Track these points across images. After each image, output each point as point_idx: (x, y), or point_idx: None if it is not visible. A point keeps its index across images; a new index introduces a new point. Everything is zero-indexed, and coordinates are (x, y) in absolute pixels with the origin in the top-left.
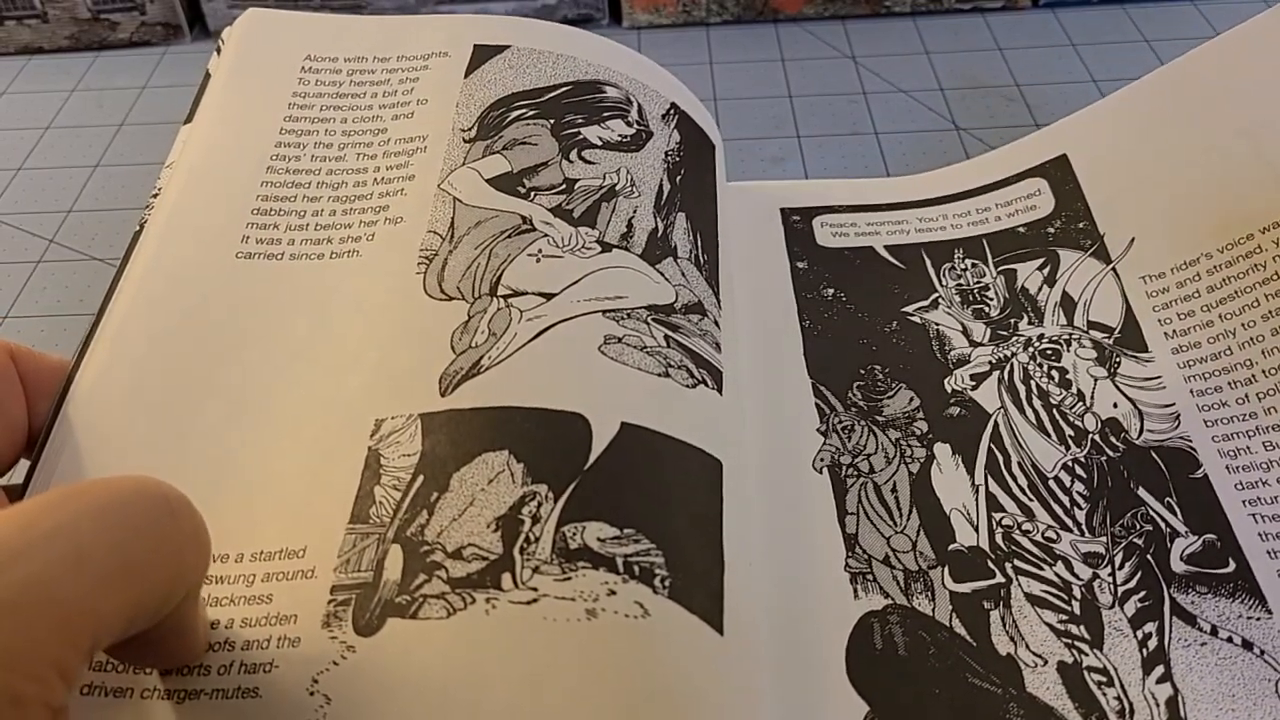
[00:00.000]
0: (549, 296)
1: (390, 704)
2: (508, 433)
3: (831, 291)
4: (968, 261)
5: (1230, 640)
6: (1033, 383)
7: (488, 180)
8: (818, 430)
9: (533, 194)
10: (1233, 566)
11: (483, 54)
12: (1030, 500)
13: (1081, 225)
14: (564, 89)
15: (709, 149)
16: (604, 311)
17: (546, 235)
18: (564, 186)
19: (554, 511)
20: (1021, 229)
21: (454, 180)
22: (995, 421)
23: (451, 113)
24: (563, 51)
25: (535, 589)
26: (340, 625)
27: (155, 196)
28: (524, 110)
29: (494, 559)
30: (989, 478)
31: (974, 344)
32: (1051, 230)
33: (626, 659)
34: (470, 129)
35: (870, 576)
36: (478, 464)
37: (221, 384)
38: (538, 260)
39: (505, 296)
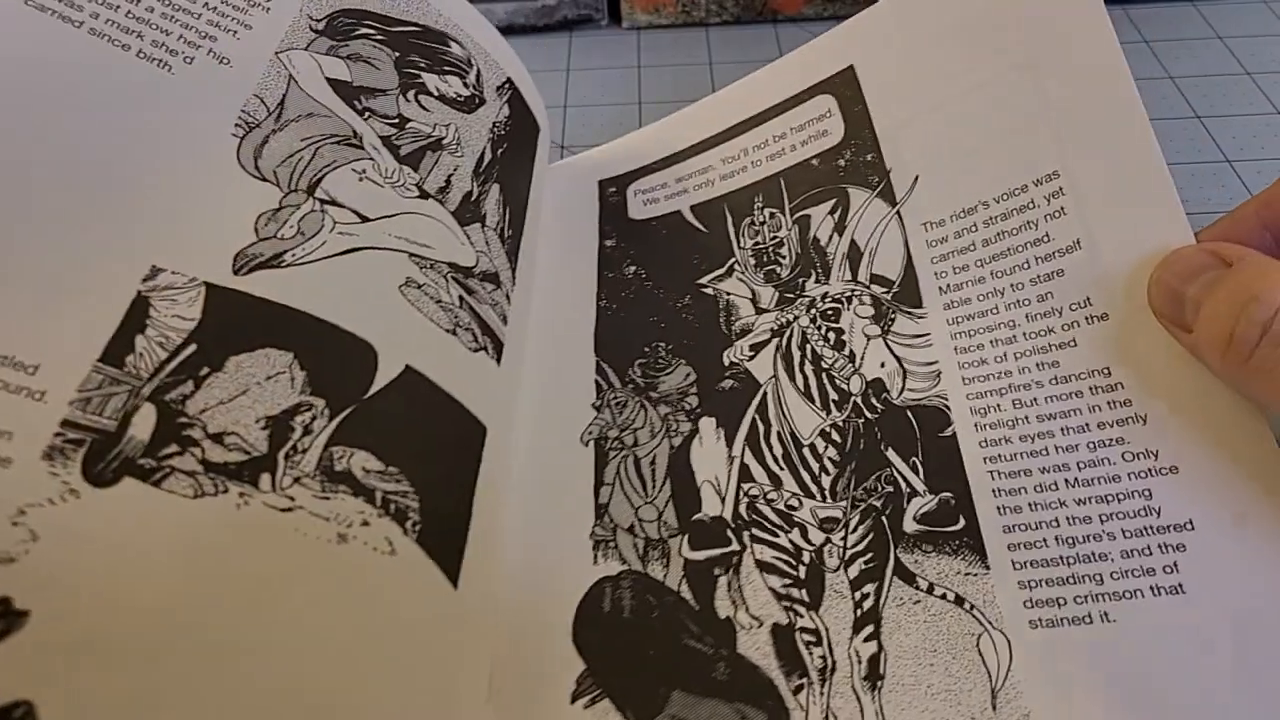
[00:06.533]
0: (364, 219)
1: (109, 564)
2: (296, 336)
3: (633, 269)
4: (766, 212)
5: (944, 597)
6: (808, 347)
7: (327, 79)
8: (592, 405)
9: (367, 115)
10: (962, 524)
11: None
12: (781, 469)
13: (869, 158)
14: (414, 29)
15: (534, 130)
16: (410, 254)
17: (373, 160)
18: (397, 120)
19: (326, 429)
20: (815, 161)
21: (294, 58)
22: (765, 392)
23: None
24: None
25: (293, 499)
26: (66, 464)
27: None
28: (373, 31)
29: (256, 456)
30: (746, 449)
31: (760, 310)
32: (842, 163)
33: (367, 591)
34: (320, 21)
35: (612, 544)
36: (259, 356)
37: None
38: (360, 179)
39: (322, 201)
